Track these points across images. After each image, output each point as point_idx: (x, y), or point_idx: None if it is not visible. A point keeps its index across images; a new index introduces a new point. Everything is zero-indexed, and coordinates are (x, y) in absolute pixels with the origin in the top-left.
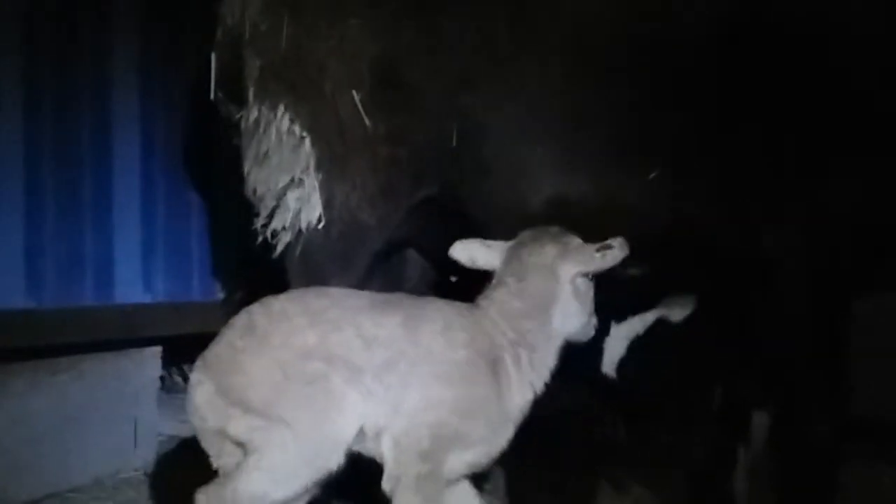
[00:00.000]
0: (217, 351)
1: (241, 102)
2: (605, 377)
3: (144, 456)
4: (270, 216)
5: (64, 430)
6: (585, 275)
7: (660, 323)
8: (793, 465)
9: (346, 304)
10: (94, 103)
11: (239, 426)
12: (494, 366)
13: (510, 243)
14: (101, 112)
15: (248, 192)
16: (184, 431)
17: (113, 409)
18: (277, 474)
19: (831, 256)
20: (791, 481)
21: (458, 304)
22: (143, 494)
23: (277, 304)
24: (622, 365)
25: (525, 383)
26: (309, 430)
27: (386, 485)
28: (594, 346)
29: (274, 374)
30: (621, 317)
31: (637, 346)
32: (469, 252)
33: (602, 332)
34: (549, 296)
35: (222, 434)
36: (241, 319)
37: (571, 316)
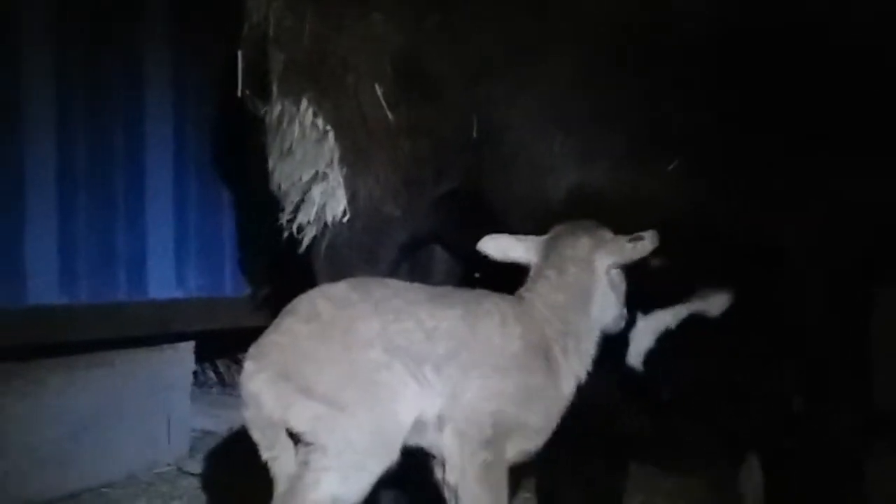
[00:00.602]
0: (275, 338)
1: (267, 98)
2: (630, 369)
3: (177, 451)
4: (295, 211)
5: (98, 426)
6: (619, 266)
7: (694, 318)
8: (817, 460)
9: (407, 296)
10: (127, 101)
11: (302, 414)
12: (547, 356)
13: (543, 237)
14: (133, 109)
15: (273, 186)
16: (217, 426)
17: (146, 404)
18: (345, 469)
19: (851, 250)
20: (815, 476)
21: (508, 297)
22: (176, 489)
23: (339, 291)
24: (649, 358)
25: (571, 372)
26: (371, 419)
27: (450, 476)
28: (621, 338)
29: (340, 361)
30: (648, 309)
31: (667, 340)
32: (499, 245)
33: (629, 323)
34: (588, 287)
35: (280, 423)
36: (301, 306)
37: (608, 307)
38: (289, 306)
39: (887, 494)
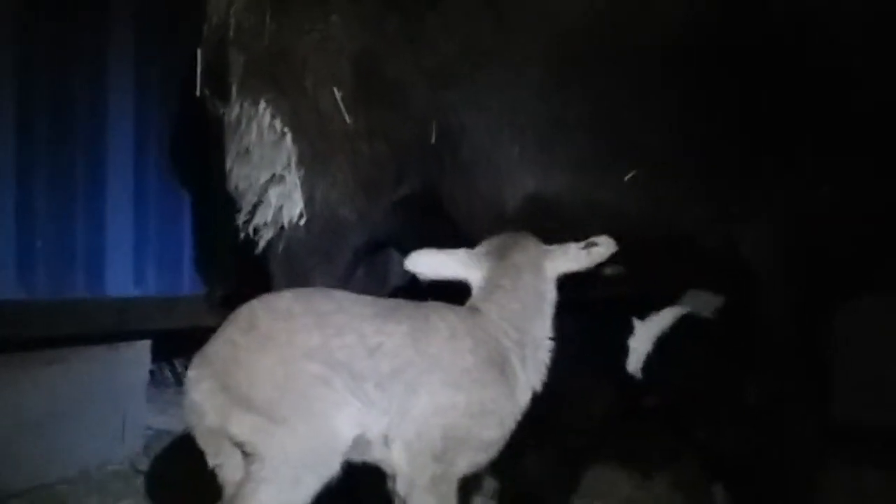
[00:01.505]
0: (217, 347)
1: (226, 99)
2: (630, 377)
3: (132, 449)
4: (252, 212)
5: (52, 422)
6: (573, 272)
7: (686, 319)
8: (775, 466)
9: (352, 311)
10: (88, 98)
11: (241, 425)
12: (502, 368)
13: (482, 248)
14: (94, 107)
15: (230, 187)
16: (172, 426)
17: (102, 402)
18: (282, 482)
19: (811, 259)
20: (773, 482)
21: (459, 309)
22: (130, 487)
23: (282, 302)
24: (649, 363)
25: (529, 382)
26: (309, 433)
27: (400, 488)
28: (620, 345)
29: (277, 373)
30: (643, 315)
31: (663, 344)
32: (430, 262)
33: (627, 330)
34: (542, 294)
35: (221, 433)
36: (242, 315)
37: (551, 314)
38: (231, 315)
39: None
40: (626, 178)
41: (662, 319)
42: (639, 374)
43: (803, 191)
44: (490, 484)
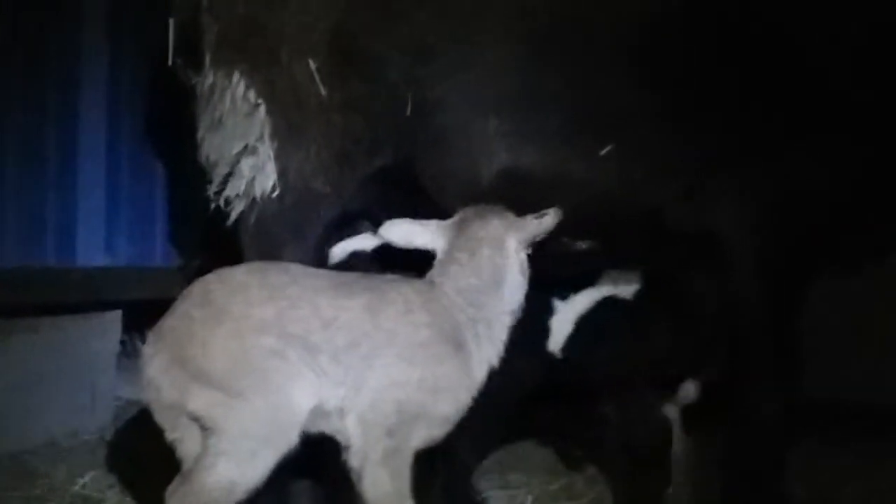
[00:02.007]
0: (172, 322)
1: (199, 68)
2: (550, 357)
3: (101, 420)
4: (224, 183)
5: (21, 392)
6: (525, 242)
7: (608, 300)
8: (739, 445)
9: (307, 283)
10: (60, 66)
11: (198, 400)
12: (457, 342)
13: (449, 221)
14: (66, 75)
15: (202, 159)
16: (142, 396)
17: (71, 372)
18: (240, 455)
19: (781, 236)
20: (737, 462)
21: (416, 282)
22: (98, 457)
23: (236, 276)
24: (569, 344)
25: (484, 358)
26: (265, 406)
27: (353, 460)
28: (541, 326)
29: (232, 347)
30: (564, 295)
31: (583, 325)
32: (402, 231)
33: (548, 311)
34: (500, 269)
35: (178, 408)
36: (196, 290)
37: (517, 291)
38: (186, 290)
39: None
40: (602, 152)
41: (583, 300)
42: (559, 354)
43: (773, 169)
44: None
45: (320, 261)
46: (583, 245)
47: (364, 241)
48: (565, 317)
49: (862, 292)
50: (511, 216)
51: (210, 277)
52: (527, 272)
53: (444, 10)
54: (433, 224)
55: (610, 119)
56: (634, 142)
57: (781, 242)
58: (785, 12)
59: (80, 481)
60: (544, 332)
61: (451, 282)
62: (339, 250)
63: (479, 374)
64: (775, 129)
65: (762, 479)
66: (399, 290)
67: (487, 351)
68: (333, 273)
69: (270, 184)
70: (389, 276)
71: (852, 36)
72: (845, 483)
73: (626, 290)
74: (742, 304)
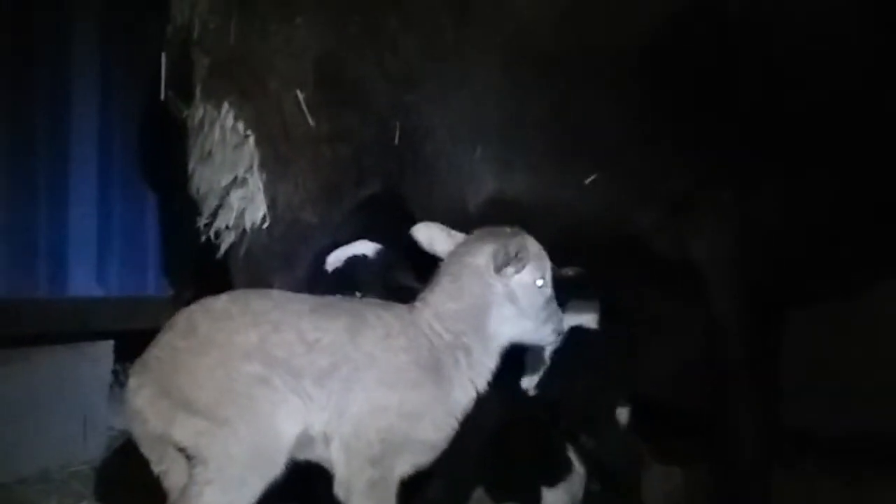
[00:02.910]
0: (156, 353)
1: (190, 101)
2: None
3: (93, 450)
4: (214, 215)
5: (13, 422)
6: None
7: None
8: (721, 475)
9: (289, 308)
10: (52, 96)
11: (184, 429)
12: (436, 367)
13: (463, 237)
14: (58, 105)
15: (192, 190)
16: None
17: (63, 403)
18: (227, 483)
19: (759, 266)
20: (720, 493)
21: (397, 306)
22: (90, 489)
23: (219, 304)
24: (545, 377)
25: (466, 383)
26: (251, 433)
27: (338, 491)
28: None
29: (217, 375)
30: None
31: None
32: (429, 234)
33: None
34: (482, 298)
35: (164, 438)
36: (180, 320)
37: (507, 320)
38: (169, 321)
39: None
40: (587, 181)
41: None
42: (532, 391)
43: (752, 198)
44: None
45: (310, 291)
46: (569, 272)
47: (361, 248)
48: (539, 353)
49: (845, 320)
50: (511, 244)
51: (193, 307)
52: (529, 302)
53: (431, 38)
54: (455, 236)
55: (594, 147)
56: (617, 170)
57: (760, 272)
58: (770, 45)
59: None
60: (516, 368)
61: (429, 308)
62: (334, 258)
63: (461, 398)
64: (755, 159)
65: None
66: (378, 314)
67: (471, 378)
68: (313, 297)
69: (260, 215)
70: (368, 300)
71: (833, 70)
72: None
73: (590, 320)
74: (720, 333)
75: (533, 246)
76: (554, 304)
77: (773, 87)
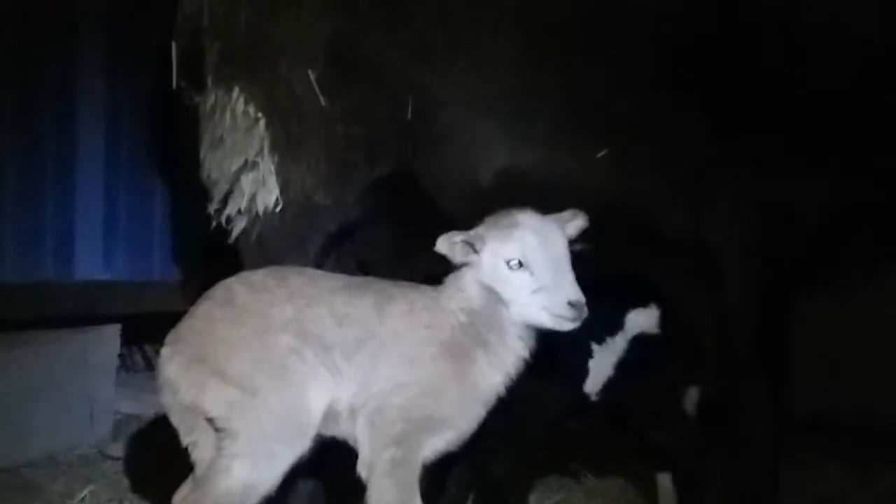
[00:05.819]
0: (192, 323)
1: (201, 88)
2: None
3: (100, 434)
4: (224, 200)
5: (20, 405)
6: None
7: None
8: (731, 463)
9: (322, 284)
10: (59, 81)
11: (216, 398)
12: (457, 347)
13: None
14: (65, 90)
15: (204, 176)
16: (141, 410)
17: (70, 386)
18: (255, 456)
19: (773, 250)
20: (730, 480)
21: (424, 287)
22: (96, 472)
23: (257, 277)
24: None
25: (491, 365)
26: (282, 403)
27: (361, 470)
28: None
29: (252, 344)
30: (598, 337)
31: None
32: (450, 244)
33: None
34: (492, 279)
35: (195, 408)
36: (219, 291)
37: (510, 301)
38: (207, 292)
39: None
40: (599, 155)
41: (618, 343)
42: (595, 396)
43: (768, 182)
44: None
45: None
46: (578, 247)
47: None
48: (606, 360)
49: (855, 306)
50: (509, 222)
51: (231, 280)
52: (513, 284)
53: (443, 13)
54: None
55: (608, 122)
56: (632, 146)
57: (774, 256)
58: (792, 22)
59: (79, 496)
60: (581, 372)
61: (450, 288)
62: None
63: (489, 382)
64: (772, 143)
65: (756, 495)
66: (404, 292)
67: (500, 358)
68: (348, 276)
69: (273, 199)
70: (398, 282)
71: (856, 47)
72: (838, 500)
73: (652, 326)
74: (732, 317)
75: (517, 230)
76: (553, 286)
77: (794, 65)
